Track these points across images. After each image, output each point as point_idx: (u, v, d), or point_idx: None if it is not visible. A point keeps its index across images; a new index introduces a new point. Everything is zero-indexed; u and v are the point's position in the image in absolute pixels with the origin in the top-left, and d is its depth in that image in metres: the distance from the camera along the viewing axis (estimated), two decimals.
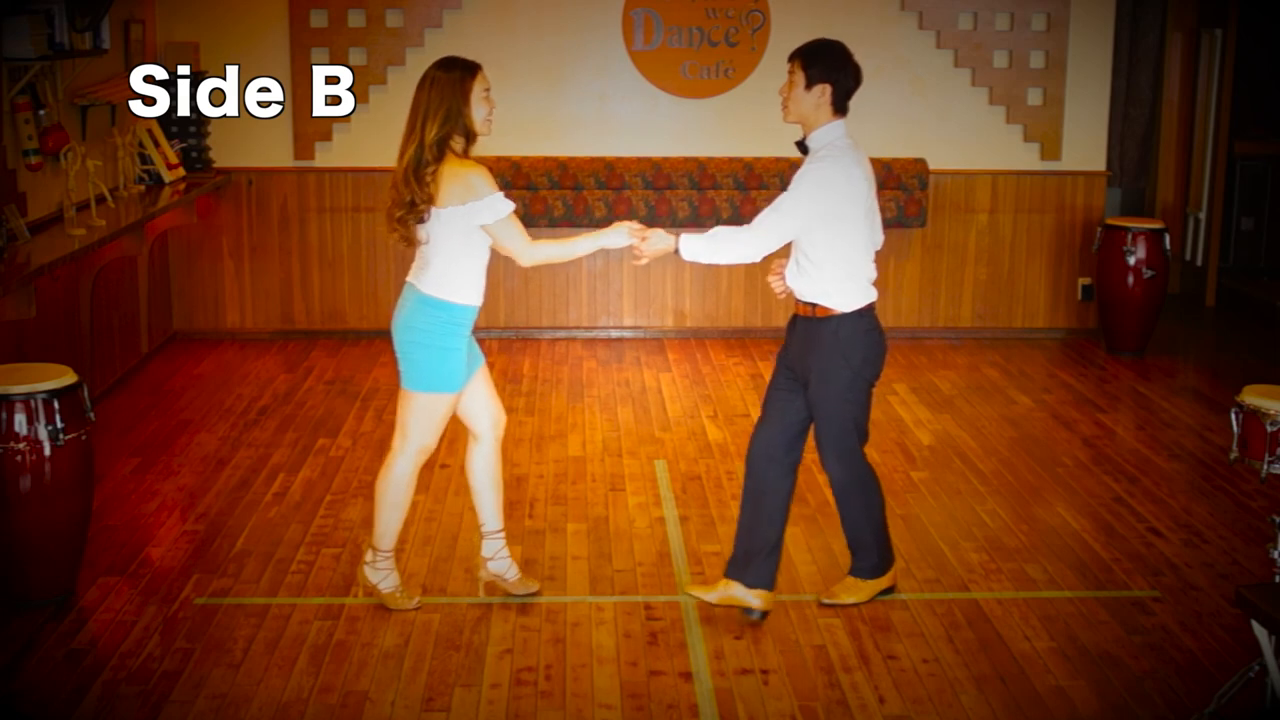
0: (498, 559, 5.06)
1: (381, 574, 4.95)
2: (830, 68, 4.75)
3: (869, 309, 4.79)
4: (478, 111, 4.64)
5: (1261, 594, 3.82)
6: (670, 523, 5.85)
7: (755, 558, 4.86)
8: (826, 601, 5.03)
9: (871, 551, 5.02)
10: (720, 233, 4.74)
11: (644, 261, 4.81)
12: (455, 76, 4.61)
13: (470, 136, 4.66)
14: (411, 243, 4.70)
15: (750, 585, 4.86)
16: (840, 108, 4.77)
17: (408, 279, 4.79)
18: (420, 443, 4.82)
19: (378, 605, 4.99)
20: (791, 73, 4.77)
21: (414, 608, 4.95)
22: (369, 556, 4.97)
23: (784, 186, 8.90)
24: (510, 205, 4.65)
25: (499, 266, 9.02)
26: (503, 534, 5.07)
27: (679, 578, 5.27)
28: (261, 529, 5.74)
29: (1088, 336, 9.25)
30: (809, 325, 4.80)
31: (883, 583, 5.06)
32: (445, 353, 4.72)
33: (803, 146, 4.82)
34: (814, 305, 4.76)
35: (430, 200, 4.59)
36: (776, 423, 4.89)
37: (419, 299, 4.71)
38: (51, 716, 4.24)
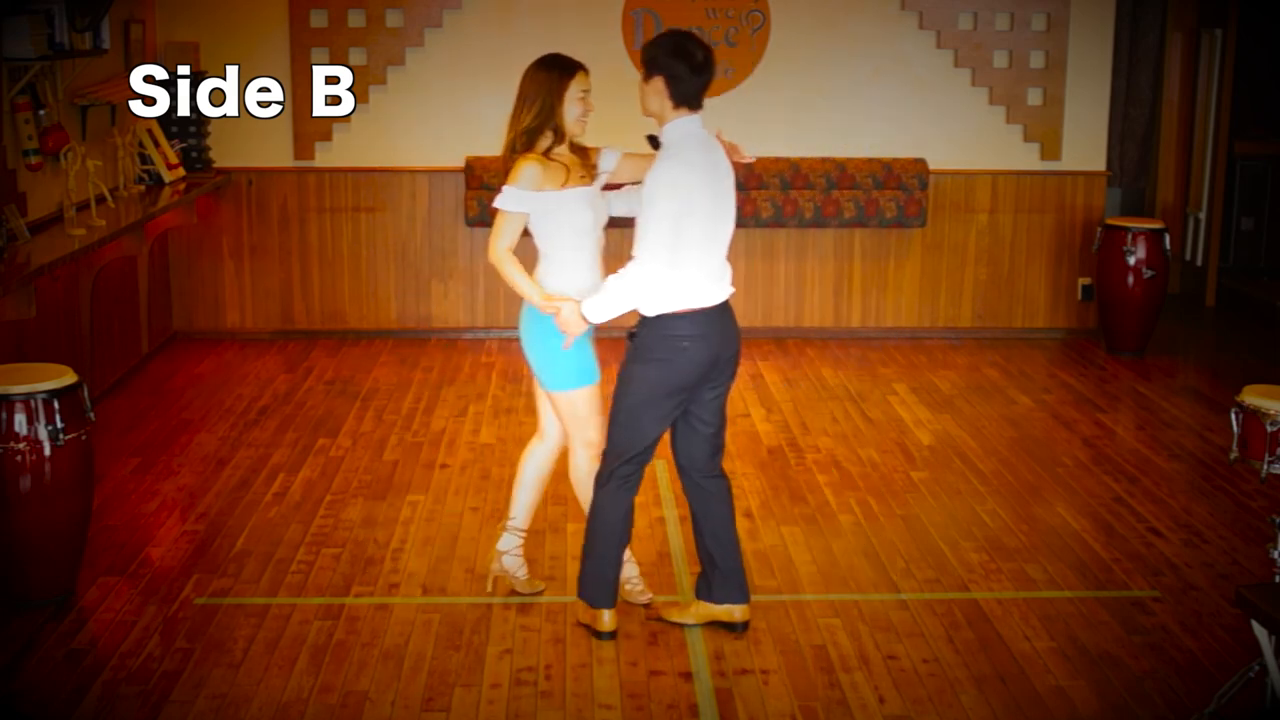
0: (513, 554, 5.07)
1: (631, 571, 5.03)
2: (663, 58, 4.53)
3: (689, 314, 4.58)
4: (570, 111, 4.67)
5: (1261, 594, 3.83)
6: (670, 523, 5.84)
7: (713, 577, 4.81)
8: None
9: (583, 571, 4.81)
10: (611, 282, 4.55)
11: (568, 345, 4.65)
12: (554, 75, 4.66)
13: (559, 134, 4.69)
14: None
15: (719, 602, 4.81)
16: (682, 100, 4.55)
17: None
18: (582, 437, 4.86)
19: (378, 605, 4.99)
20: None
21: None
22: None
23: (782, 187, 8.99)
24: (514, 204, 4.64)
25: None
26: (524, 534, 5.09)
27: (679, 578, 5.27)
28: (261, 529, 5.74)
29: (1088, 336, 9.25)
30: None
31: (588, 616, 4.77)
32: (560, 350, 4.73)
33: (655, 141, 4.66)
34: None
35: None
36: (686, 432, 4.77)
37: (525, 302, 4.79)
38: (51, 716, 4.24)
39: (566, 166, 4.70)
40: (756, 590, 5.15)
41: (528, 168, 4.64)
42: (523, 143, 4.67)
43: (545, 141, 4.68)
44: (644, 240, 4.50)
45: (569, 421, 4.87)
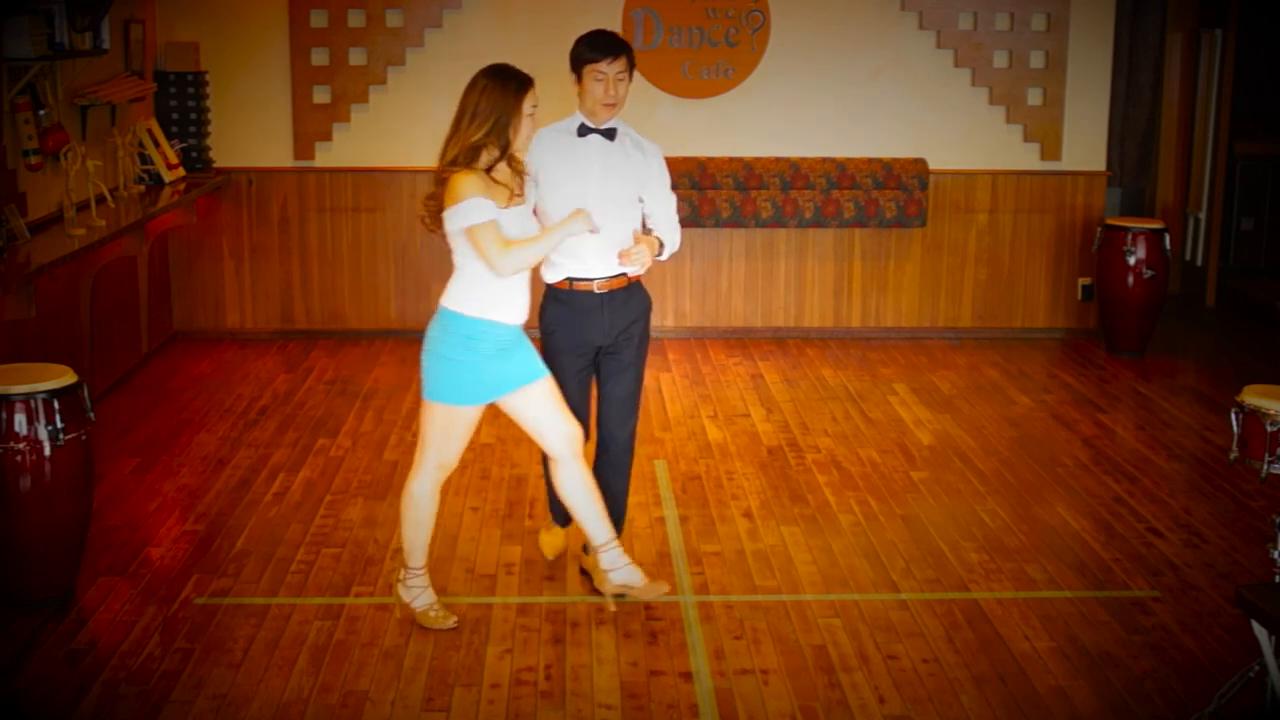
0: (621, 568, 4.84)
1: (414, 592, 4.85)
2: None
3: (555, 286, 4.98)
4: (523, 129, 4.56)
5: (1261, 594, 3.83)
6: (670, 523, 5.85)
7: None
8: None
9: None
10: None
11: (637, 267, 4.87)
12: (510, 89, 4.52)
13: (505, 152, 4.55)
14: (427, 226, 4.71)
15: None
16: None
17: None
18: (437, 457, 4.75)
19: (378, 605, 4.99)
20: (627, 69, 4.90)
21: (450, 627, 4.81)
22: (400, 574, 4.91)
23: (783, 187, 8.99)
24: (489, 213, 4.47)
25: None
26: (617, 543, 4.85)
27: (679, 578, 5.27)
28: (261, 529, 5.74)
29: (1088, 336, 9.25)
30: None
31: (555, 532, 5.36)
32: (454, 364, 4.61)
33: (611, 133, 4.93)
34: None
35: (439, 205, 4.56)
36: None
37: (439, 308, 4.68)
38: (51, 716, 4.24)
39: (508, 188, 4.57)
40: (756, 590, 5.16)
41: (468, 179, 4.47)
42: (467, 157, 4.50)
43: (488, 158, 4.53)
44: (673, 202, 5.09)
45: (433, 437, 4.72)
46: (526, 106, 4.55)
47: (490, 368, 4.63)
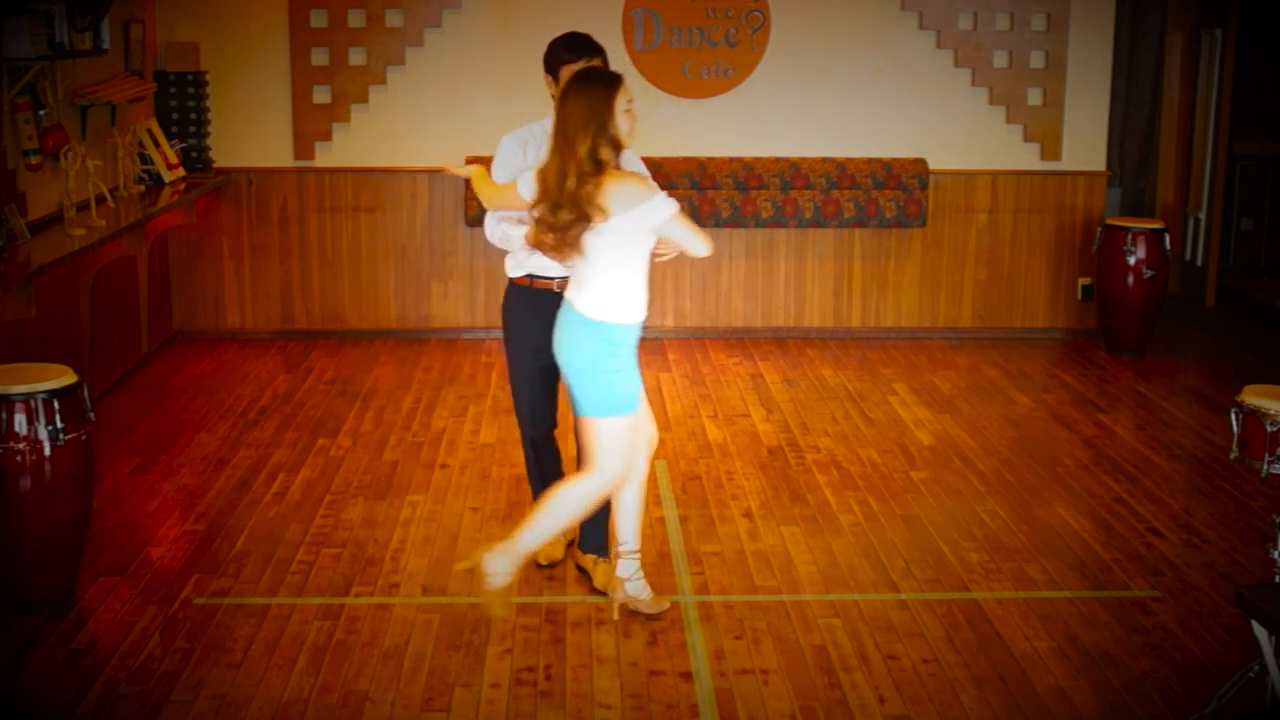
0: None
1: (631, 575, 4.89)
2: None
3: (516, 281, 5.10)
4: (621, 124, 4.52)
5: (1261, 594, 3.83)
6: (670, 522, 5.85)
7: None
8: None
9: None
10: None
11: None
12: (598, 91, 4.51)
13: (618, 148, 4.53)
14: (564, 255, 4.57)
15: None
16: None
17: (566, 296, 4.69)
18: (615, 471, 4.67)
19: (378, 605, 5.00)
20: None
21: (664, 608, 4.91)
22: (618, 560, 4.92)
23: (783, 187, 8.98)
24: (674, 202, 4.51)
25: (500, 267, 9.02)
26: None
27: (679, 578, 5.27)
28: (261, 529, 5.74)
29: (1088, 336, 9.25)
30: None
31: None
32: (619, 375, 4.60)
33: None
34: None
35: (599, 213, 4.46)
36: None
37: (581, 321, 4.58)
38: (51, 716, 4.24)
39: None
40: (756, 590, 5.16)
41: (633, 177, 4.48)
42: (591, 166, 4.45)
43: (608, 157, 4.49)
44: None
45: (609, 453, 4.64)
46: (621, 103, 4.54)
47: (636, 372, 4.72)
